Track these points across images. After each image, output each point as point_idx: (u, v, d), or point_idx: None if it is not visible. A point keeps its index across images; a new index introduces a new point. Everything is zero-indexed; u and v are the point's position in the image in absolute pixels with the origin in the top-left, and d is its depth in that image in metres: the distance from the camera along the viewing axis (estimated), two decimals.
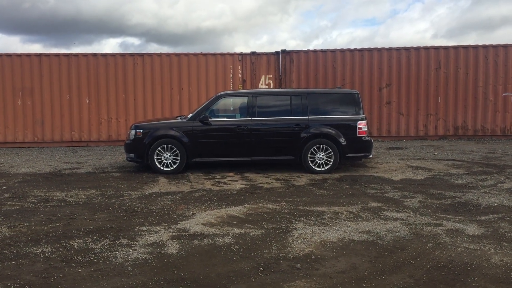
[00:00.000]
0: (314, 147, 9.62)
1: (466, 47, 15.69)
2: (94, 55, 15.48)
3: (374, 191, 7.85)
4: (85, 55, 15.46)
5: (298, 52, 15.96)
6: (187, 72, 15.64)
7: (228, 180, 8.97)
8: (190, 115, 9.99)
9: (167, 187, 8.36)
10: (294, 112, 9.78)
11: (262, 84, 15.79)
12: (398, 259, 4.60)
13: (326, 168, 9.65)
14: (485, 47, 15.63)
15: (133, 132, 9.88)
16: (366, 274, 4.25)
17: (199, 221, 6.01)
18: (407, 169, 10.02)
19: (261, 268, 4.39)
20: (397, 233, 5.43)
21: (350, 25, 70.20)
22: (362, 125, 9.74)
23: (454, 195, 7.51)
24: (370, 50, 15.86)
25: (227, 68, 15.76)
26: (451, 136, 15.79)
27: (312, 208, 6.64)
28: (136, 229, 5.66)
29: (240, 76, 15.75)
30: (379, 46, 15.93)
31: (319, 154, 9.64)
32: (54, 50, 38.03)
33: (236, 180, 8.98)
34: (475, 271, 4.30)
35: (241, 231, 5.55)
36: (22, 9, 48.68)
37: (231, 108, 10.57)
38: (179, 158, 9.67)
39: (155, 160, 9.69)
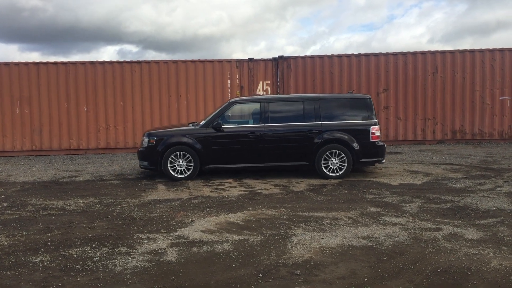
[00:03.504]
0: (328, 152, 9.62)
1: (462, 52, 15.75)
2: (91, 63, 15.50)
3: (373, 196, 7.86)
4: (83, 63, 15.48)
5: (295, 58, 16.01)
6: (185, 79, 15.66)
7: (226, 187, 8.97)
8: (203, 122, 10.00)
9: (166, 195, 8.35)
10: (307, 117, 9.79)
11: (259, 90, 15.81)
12: (397, 264, 4.60)
13: (339, 173, 9.63)
14: (481, 51, 15.70)
15: (146, 139, 9.88)
16: (365, 279, 4.25)
17: (198, 228, 6.01)
18: (406, 174, 10.03)
19: (260, 275, 4.38)
20: (396, 238, 5.43)
21: (347, 31, 70.49)
22: (375, 130, 9.74)
23: (452, 199, 7.51)
24: (367, 55, 15.91)
25: (224, 74, 15.78)
26: (449, 140, 15.81)
27: (311, 214, 6.64)
28: (135, 237, 5.65)
29: (237, 82, 15.78)
30: (376, 51, 16.00)
31: (333, 160, 9.63)
32: (52, 58, 38.05)
33: (235, 187, 8.97)
34: (475, 275, 4.30)
35: (240, 238, 5.54)
36: (21, 18, 48.81)
37: (244, 114, 10.52)
38: (192, 165, 9.68)
39: (169, 167, 9.69)
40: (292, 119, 9.84)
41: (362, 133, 9.72)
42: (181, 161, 9.69)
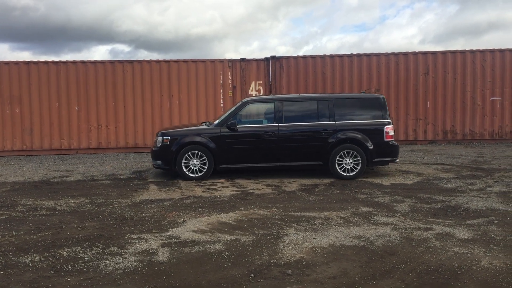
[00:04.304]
0: (342, 152, 9.59)
1: (453, 52, 15.85)
2: (83, 62, 15.41)
3: (365, 196, 7.88)
4: (74, 62, 15.39)
5: (287, 58, 16.02)
6: (177, 78, 15.62)
7: (218, 187, 8.95)
8: (217, 121, 10.01)
9: (158, 195, 8.32)
10: (321, 117, 9.80)
11: (252, 90, 15.80)
12: (388, 264, 4.62)
13: (354, 173, 9.61)
14: (472, 52, 15.80)
15: (160, 139, 9.86)
16: (357, 279, 4.26)
17: (189, 228, 5.99)
18: (397, 174, 10.07)
19: (252, 275, 4.38)
20: (388, 238, 5.45)
21: (340, 31, 70.60)
22: (389, 129, 9.77)
23: (443, 199, 7.56)
24: (359, 55, 15.97)
25: (217, 74, 15.76)
26: (440, 140, 15.91)
27: (303, 214, 6.65)
28: (126, 237, 5.62)
29: (230, 82, 15.77)
30: (368, 52, 16.05)
31: (347, 159, 9.61)
32: (43, 58, 37.80)
33: (227, 187, 8.96)
34: (465, 274, 4.33)
35: (232, 238, 5.54)
36: (12, 17, 48.41)
37: (257, 114, 10.43)
38: (206, 164, 9.67)
39: (183, 166, 9.67)
40: (306, 118, 9.86)
41: (376, 132, 9.73)
42: (195, 160, 9.68)
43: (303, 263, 4.67)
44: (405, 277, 4.29)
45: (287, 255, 4.91)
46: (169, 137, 9.79)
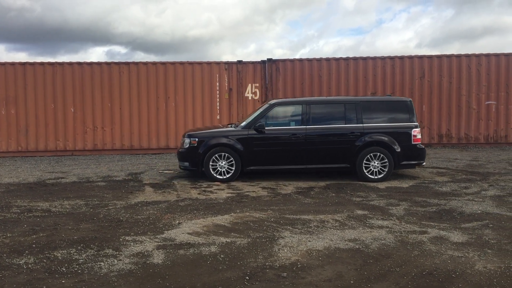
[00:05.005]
0: (369, 155, 9.60)
1: (449, 56, 15.91)
2: (79, 63, 15.37)
3: (360, 199, 7.89)
4: (70, 63, 15.35)
5: (284, 60, 16.04)
6: (173, 81, 15.60)
7: (214, 189, 8.95)
8: (244, 123, 10.02)
9: (153, 196, 8.31)
10: (348, 120, 9.79)
11: (248, 93, 15.82)
12: (383, 267, 4.63)
13: (381, 176, 9.61)
14: (468, 56, 15.87)
15: (187, 140, 9.86)
16: (351, 282, 4.27)
17: (185, 230, 5.98)
18: (393, 177, 10.08)
19: (247, 277, 4.38)
20: (383, 241, 5.46)
21: (336, 34, 70.70)
22: (416, 132, 9.77)
23: (438, 202, 7.58)
24: (355, 59, 16.01)
25: (213, 76, 15.76)
26: (435, 144, 15.95)
27: (298, 217, 6.65)
28: (121, 239, 5.61)
29: (226, 84, 15.77)
30: (364, 55, 16.11)
31: (374, 162, 9.60)
32: (39, 59, 37.66)
33: (223, 189, 8.96)
34: (459, 278, 4.34)
35: (227, 240, 5.53)
36: (8, 18, 48.23)
37: (284, 116, 10.34)
38: (234, 166, 9.67)
39: (211, 168, 9.67)
40: (333, 121, 9.86)
41: (403, 135, 9.73)
42: (223, 162, 9.68)
43: (298, 266, 4.67)
44: (400, 280, 4.30)
45: (282, 257, 4.91)
46: (196, 139, 9.79)
